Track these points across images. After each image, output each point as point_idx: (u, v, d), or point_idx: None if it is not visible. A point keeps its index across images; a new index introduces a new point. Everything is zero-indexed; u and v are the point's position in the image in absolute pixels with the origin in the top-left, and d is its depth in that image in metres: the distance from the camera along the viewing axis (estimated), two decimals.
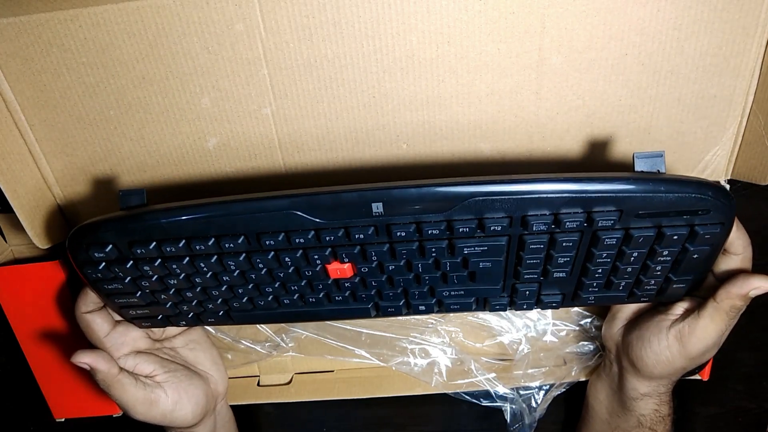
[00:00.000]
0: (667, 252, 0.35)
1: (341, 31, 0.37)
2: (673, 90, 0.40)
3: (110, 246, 0.36)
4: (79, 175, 0.44)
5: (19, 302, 0.50)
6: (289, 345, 0.54)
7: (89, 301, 0.40)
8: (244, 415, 0.59)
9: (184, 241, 0.35)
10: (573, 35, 0.38)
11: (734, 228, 0.36)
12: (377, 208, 0.33)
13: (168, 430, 0.46)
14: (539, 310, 0.51)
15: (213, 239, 0.35)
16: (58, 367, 0.52)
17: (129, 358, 0.42)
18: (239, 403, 0.55)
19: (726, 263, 0.38)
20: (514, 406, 0.53)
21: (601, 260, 0.35)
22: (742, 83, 0.40)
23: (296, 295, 0.39)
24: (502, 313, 0.48)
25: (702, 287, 0.39)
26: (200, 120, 0.41)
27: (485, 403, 0.53)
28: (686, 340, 0.38)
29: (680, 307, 0.40)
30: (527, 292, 0.38)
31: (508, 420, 0.53)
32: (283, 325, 0.53)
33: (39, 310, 0.50)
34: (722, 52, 0.38)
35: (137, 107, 0.41)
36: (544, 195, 0.32)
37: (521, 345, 0.53)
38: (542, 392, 0.53)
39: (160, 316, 0.42)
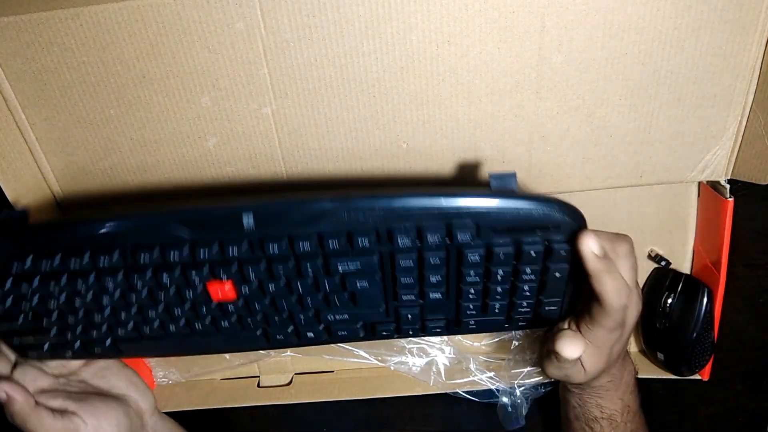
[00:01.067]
0: (530, 270, 0.36)
1: (341, 31, 0.37)
2: (673, 90, 0.40)
3: None
4: (79, 174, 0.44)
5: None
6: None
7: None
8: (244, 415, 0.59)
9: (59, 256, 0.35)
10: (573, 35, 0.38)
11: (595, 278, 0.34)
12: (248, 219, 0.34)
13: None
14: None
15: (87, 254, 0.35)
16: None
17: (34, 396, 0.40)
18: (240, 405, 0.55)
19: (594, 305, 0.36)
20: (513, 403, 0.53)
21: (471, 279, 0.36)
22: (742, 83, 0.40)
23: (182, 321, 0.38)
24: None
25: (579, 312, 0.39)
26: (200, 119, 0.41)
27: (485, 401, 0.53)
28: (542, 363, 0.42)
29: (557, 326, 0.40)
30: (409, 316, 0.39)
31: (508, 416, 0.53)
32: None
33: None
34: (722, 51, 0.38)
35: (137, 106, 0.41)
36: (404, 208, 0.33)
37: (520, 342, 0.53)
38: (541, 388, 0.53)
39: (46, 344, 0.40)
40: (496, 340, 0.54)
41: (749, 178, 0.42)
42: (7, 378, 0.39)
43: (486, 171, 0.43)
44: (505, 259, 0.35)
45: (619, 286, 0.34)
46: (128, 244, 0.35)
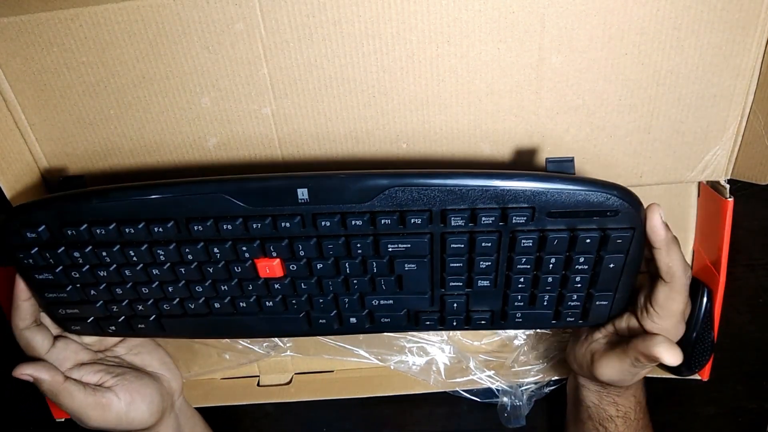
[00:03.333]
0: (583, 259, 0.35)
1: (341, 31, 0.37)
2: (673, 90, 0.40)
3: (43, 226, 0.36)
4: (79, 174, 0.44)
5: None
6: (287, 345, 0.54)
7: (25, 314, 0.39)
8: (244, 415, 0.59)
9: (114, 224, 0.35)
10: (573, 35, 0.38)
11: (664, 250, 0.34)
12: (302, 194, 0.34)
13: None
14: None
15: (143, 223, 0.35)
16: None
17: (73, 371, 0.41)
18: (239, 403, 0.55)
19: (656, 289, 0.36)
20: (513, 402, 0.53)
21: (521, 267, 0.36)
22: (742, 83, 0.40)
23: (227, 298, 0.39)
24: None
25: (635, 301, 0.39)
26: (200, 119, 0.41)
27: (485, 400, 0.53)
28: (595, 363, 0.40)
29: (611, 325, 0.40)
30: (455, 305, 0.38)
31: (506, 413, 0.53)
32: None
33: None
34: (722, 51, 0.38)
35: (137, 106, 0.41)
36: (459, 187, 0.33)
37: (519, 341, 0.53)
38: (541, 387, 0.53)
39: (90, 318, 0.41)
40: (496, 339, 0.54)
41: (749, 178, 0.42)
42: (36, 360, 0.40)
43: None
44: (558, 245, 0.34)
45: (684, 260, 0.34)
46: (182, 214, 0.35)
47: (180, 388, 0.48)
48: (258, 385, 0.56)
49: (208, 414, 0.52)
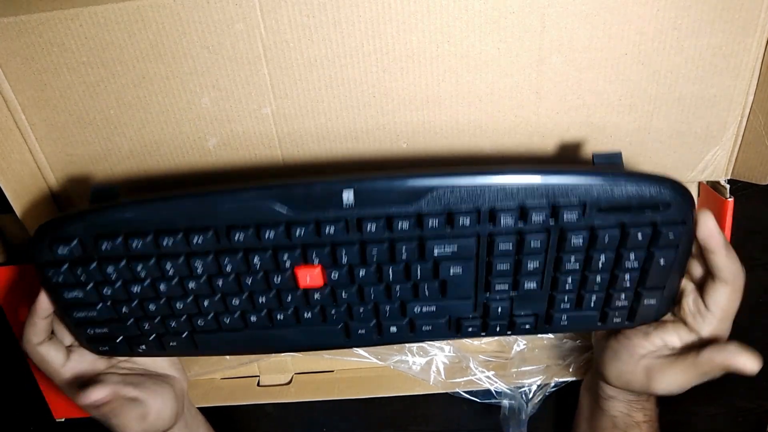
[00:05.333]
0: (633, 256, 0.34)
1: (341, 31, 0.37)
2: (673, 90, 0.40)
3: (75, 241, 0.35)
4: (79, 174, 0.44)
5: (18, 302, 0.50)
6: None
7: (39, 330, 0.38)
8: (244, 415, 0.59)
9: (151, 235, 0.34)
10: (573, 35, 0.38)
11: (724, 253, 0.34)
12: (348, 197, 0.33)
13: None
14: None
15: (181, 233, 0.34)
16: None
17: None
18: (239, 403, 0.55)
19: (715, 291, 0.36)
20: (513, 403, 0.53)
21: (570, 267, 0.35)
22: (742, 83, 0.40)
23: (264, 310, 0.38)
24: None
25: (681, 308, 0.38)
26: (200, 119, 0.41)
27: (484, 400, 0.53)
28: (654, 378, 0.38)
29: (660, 338, 0.39)
30: (499, 310, 0.37)
31: (508, 417, 0.53)
32: None
33: None
34: (722, 52, 0.38)
35: (137, 107, 0.41)
36: (509, 185, 0.32)
37: (519, 342, 0.53)
38: (541, 389, 0.53)
39: (120, 338, 0.39)
40: (497, 338, 0.54)
41: (749, 178, 0.42)
42: (95, 379, 0.39)
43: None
44: (608, 242, 0.34)
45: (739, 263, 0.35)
46: (223, 222, 0.34)
47: (187, 388, 0.48)
48: (258, 385, 0.56)
49: (208, 414, 0.52)
